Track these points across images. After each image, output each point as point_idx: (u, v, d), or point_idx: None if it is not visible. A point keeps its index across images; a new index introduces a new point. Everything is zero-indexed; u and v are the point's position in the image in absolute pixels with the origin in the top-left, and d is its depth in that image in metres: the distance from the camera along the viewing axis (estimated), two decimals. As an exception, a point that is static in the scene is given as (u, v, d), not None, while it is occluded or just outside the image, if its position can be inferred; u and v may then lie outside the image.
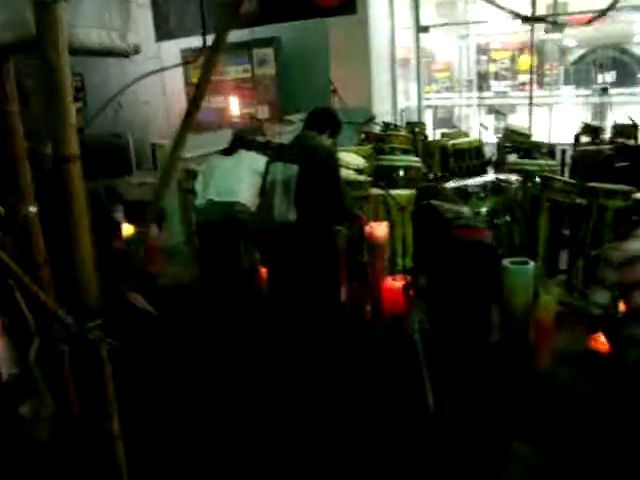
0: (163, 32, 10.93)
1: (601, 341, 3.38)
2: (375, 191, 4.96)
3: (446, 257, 3.10)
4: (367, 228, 4.31)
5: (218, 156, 4.40)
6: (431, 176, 6.24)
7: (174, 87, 10.88)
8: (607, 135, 7.14)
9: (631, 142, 6.33)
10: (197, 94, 1.24)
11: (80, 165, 1.34)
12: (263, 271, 4.54)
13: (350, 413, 3.33)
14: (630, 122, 6.93)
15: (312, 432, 3.18)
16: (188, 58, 10.96)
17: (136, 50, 1.61)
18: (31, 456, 1.88)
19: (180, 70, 10.85)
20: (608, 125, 7.34)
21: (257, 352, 3.84)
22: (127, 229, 5.32)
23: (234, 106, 10.86)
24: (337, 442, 3.11)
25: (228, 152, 4.34)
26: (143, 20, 10.97)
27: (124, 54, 1.61)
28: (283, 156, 3.58)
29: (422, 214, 3.46)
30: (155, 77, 10.89)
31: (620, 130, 6.98)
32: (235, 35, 10.42)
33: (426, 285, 3.24)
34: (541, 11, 9.42)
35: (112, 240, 4.14)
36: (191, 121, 1.19)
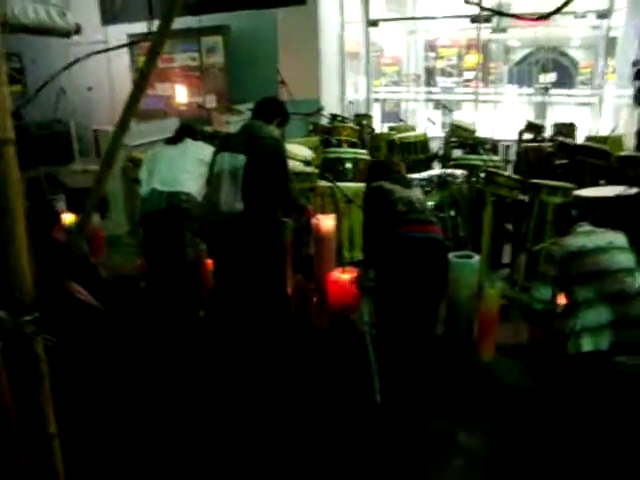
0: (109, 16, 10.59)
1: (542, 334, 3.48)
2: (322, 183, 4.95)
3: (397, 253, 3.05)
4: (314, 220, 4.29)
5: (164, 145, 4.29)
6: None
7: (120, 73, 10.59)
8: (548, 133, 7.36)
9: (569, 141, 6.53)
10: (141, 80, 1.18)
11: (15, 150, 1.26)
12: (209, 263, 4.47)
13: (297, 407, 3.32)
14: (569, 121, 7.18)
15: (255, 426, 3.15)
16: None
17: (77, 29, 1.54)
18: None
19: (126, 56, 10.59)
20: (549, 123, 7.56)
21: (200, 346, 3.78)
22: (68, 218, 5.15)
23: (181, 94, 10.65)
24: (278, 437, 3.09)
25: (174, 141, 4.23)
26: (90, 3, 10.62)
27: (64, 33, 1.53)
28: (230, 146, 3.51)
29: (373, 199, 3.30)
30: (100, 63, 10.54)
31: (560, 129, 7.21)
32: (183, 22, 10.22)
33: (375, 278, 3.20)
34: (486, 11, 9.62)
35: (52, 230, 3.99)
36: (135, 107, 1.14)
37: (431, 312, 3.18)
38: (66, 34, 1.50)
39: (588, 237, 3.11)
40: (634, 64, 7.06)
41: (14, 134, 1.25)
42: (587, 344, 2.85)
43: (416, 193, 3.27)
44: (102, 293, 4.07)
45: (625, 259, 3.01)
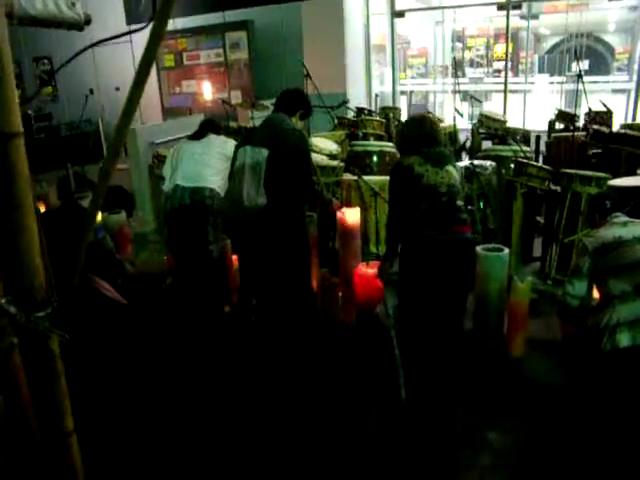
0: (134, 15, 10.70)
1: (575, 329, 3.37)
2: (348, 176, 4.89)
3: (421, 254, 2.91)
4: (339, 214, 4.24)
5: (187, 141, 4.28)
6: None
7: (146, 71, 10.67)
8: (581, 122, 7.16)
9: (604, 129, 6.33)
10: (140, 74, 1.15)
11: (23, 143, 1.23)
12: (234, 258, 4.45)
13: (322, 403, 3.27)
14: (604, 109, 6.95)
15: (278, 422, 3.12)
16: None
17: (87, 20, 1.50)
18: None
19: (152, 54, 10.66)
20: (581, 112, 7.36)
21: (225, 342, 3.76)
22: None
23: (207, 91, 10.70)
24: (302, 433, 3.05)
25: (197, 136, 4.22)
26: (114, 3, 10.77)
27: (75, 25, 1.49)
28: (252, 140, 3.46)
29: (401, 181, 2.97)
30: (127, 62, 10.67)
31: (594, 117, 6.99)
32: (207, 18, 10.27)
33: (398, 271, 3.10)
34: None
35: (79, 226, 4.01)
36: (137, 99, 1.10)
37: (456, 310, 3.04)
38: (76, 26, 1.45)
39: (625, 228, 2.98)
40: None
41: (22, 127, 1.23)
42: (624, 339, 2.73)
43: (448, 176, 2.98)
44: (128, 289, 4.09)
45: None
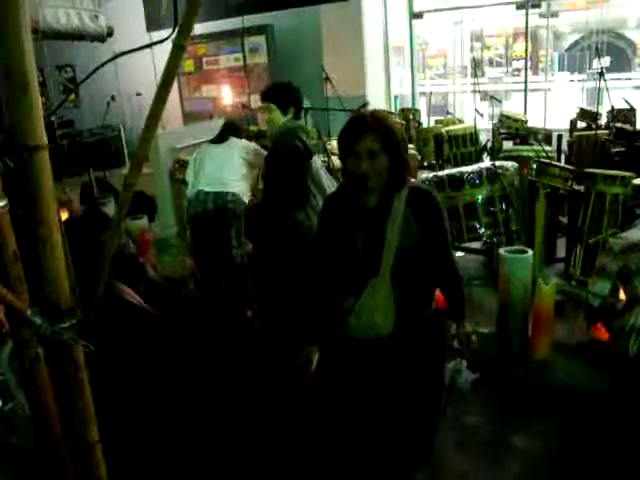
0: (154, 22, 10.76)
1: (601, 331, 3.31)
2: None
3: None
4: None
5: (208, 145, 4.28)
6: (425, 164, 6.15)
7: (166, 77, 10.76)
8: (603, 120, 7.05)
9: (628, 127, 6.21)
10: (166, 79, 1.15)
11: (47, 155, 1.24)
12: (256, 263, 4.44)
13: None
14: (627, 106, 6.83)
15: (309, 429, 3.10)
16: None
17: (110, 32, 1.51)
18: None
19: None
20: (604, 110, 7.24)
21: (248, 352, 3.74)
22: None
23: (226, 95, 10.75)
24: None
25: (218, 140, 4.22)
26: (134, 11, 10.87)
27: (97, 37, 1.51)
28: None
29: None
30: (147, 68, 10.71)
31: (617, 115, 6.87)
32: (227, 23, 10.31)
33: None
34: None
35: (102, 233, 4.03)
36: (161, 105, 1.11)
37: None
38: (99, 38, 1.46)
39: (651, 229, 2.93)
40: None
41: (46, 139, 1.23)
42: (651, 342, 2.68)
43: None
44: (150, 294, 4.10)
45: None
